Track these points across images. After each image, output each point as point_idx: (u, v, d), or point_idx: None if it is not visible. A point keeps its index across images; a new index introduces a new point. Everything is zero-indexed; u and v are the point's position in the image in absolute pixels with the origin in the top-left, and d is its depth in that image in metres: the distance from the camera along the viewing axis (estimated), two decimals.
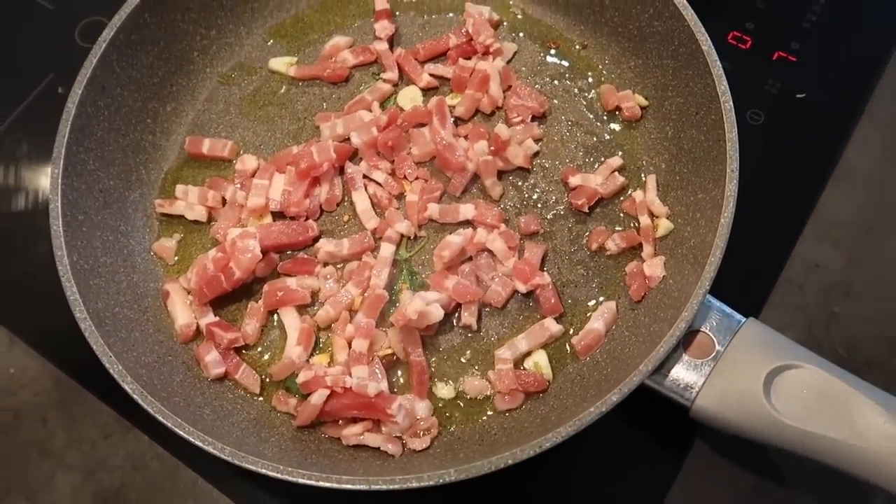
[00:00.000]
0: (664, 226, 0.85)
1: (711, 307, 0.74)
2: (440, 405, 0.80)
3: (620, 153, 0.89)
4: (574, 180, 0.87)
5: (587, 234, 0.86)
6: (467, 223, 0.86)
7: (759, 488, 0.80)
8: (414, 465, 0.74)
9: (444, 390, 0.80)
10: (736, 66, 0.96)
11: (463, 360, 0.82)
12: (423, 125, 0.91)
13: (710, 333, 0.73)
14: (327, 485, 0.66)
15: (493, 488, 0.78)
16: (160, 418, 0.70)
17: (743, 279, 0.82)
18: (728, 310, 0.74)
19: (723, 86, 0.80)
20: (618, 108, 0.91)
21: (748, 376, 0.68)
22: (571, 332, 0.82)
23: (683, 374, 0.72)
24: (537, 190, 0.89)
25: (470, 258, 0.85)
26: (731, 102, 0.79)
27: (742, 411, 0.68)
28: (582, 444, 0.70)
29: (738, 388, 0.68)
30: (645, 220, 0.85)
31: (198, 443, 0.69)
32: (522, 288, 0.81)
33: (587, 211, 0.86)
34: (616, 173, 0.87)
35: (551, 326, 0.81)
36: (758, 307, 0.87)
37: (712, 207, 0.78)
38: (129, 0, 0.88)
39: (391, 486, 0.66)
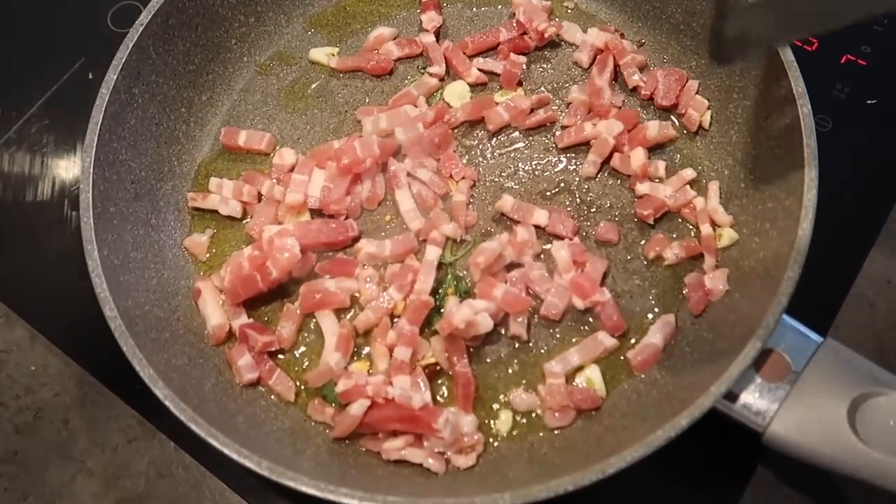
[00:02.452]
0: (728, 236, 0.80)
1: (785, 325, 0.69)
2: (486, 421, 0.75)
3: (681, 160, 0.84)
4: (641, 188, 0.82)
5: (644, 242, 0.81)
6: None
7: None
8: (460, 483, 0.70)
9: (502, 423, 0.74)
10: (802, 69, 0.90)
11: (510, 372, 0.77)
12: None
13: (784, 354, 0.67)
14: None
15: None
16: (194, 427, 0.65)
17: (810, 296, 0.76)
18: (803, 329, 0.69)
19: (800, 88, 0.75)
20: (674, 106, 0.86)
21: (830, 402, 0.63)
22: (626, 345, 0.77)
23: (756, 397, 0.67)
24: (591, 194, 0.84)
25: (518, 265, 0.80)
26: (809, 106, 0.74)
27: (823, 440, 0.63)
28: (635, 467, 0.65)
29: (820, 414, 0.63)
30: (706, 229, 0.80)
31: (233, 455, 0.64)
32: (580, 304, 0.77)
33: (652, 223, 0.81)
34: (688, 187, 0.82)
35: (605, 340, 0.76)
36: (826, 325, 0.82)
37: (785, 218, 0.73)
38: None
39: None
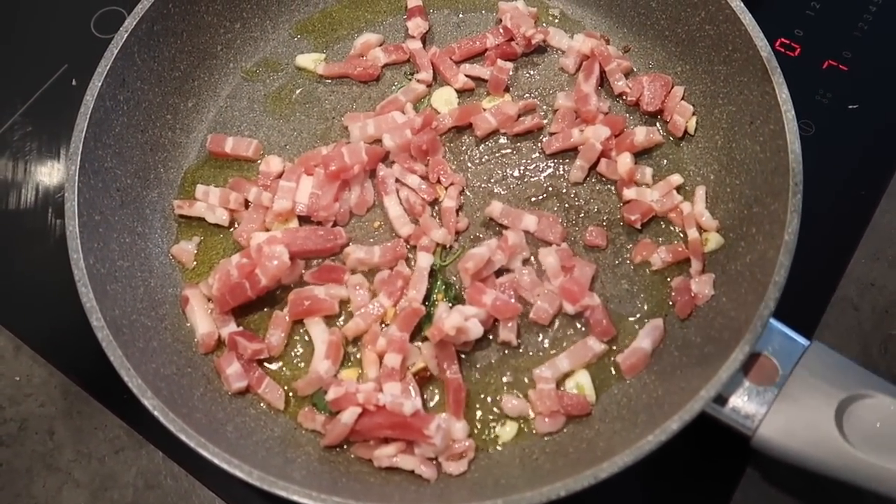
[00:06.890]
0: (714, 240, 0.80)
1: (772, 329, 0.70)
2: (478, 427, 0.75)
3: (667, 165, 0.85)
4: (629, 193, 0.82)
5: (631, 246, 0.82)
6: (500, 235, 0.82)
7: None
8: (452, 490, 0.70)
9: (507, 431, 0.74)
10: (785, 74, 0.92)
11: (501, 377, 0.77)
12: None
13: (772, 357, 0.68)
14: None
15: None
16: (183, 437, 0.65)
17: (795, 299, 0.77)
18: (791, 332, 0.70)
19: (784, 94, 0.76)
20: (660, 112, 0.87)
21: (818, 405, 0.64)
22: (615, 349, 0.77)
23: (745, 400, 0.67)
24: (579, 199, 0.84)
25: (507, 271, 0.80)
26: (793, 112, 0.74)
27: (812, 443, 0.63)
28: (626, 470, 0.66)
29: (808, 418, 0.64)
30: (693, 233, 0.81)
31: (224, 465, 0.64)
32: (571, 309, 0.77)
33: (639, 227, 0.82)
34: (675, 191, 0.82)
35: (595, 346, 0.77)
36: (810, 328, 0.83)
37: (771, 222, 0.73)
38: None
39: None
